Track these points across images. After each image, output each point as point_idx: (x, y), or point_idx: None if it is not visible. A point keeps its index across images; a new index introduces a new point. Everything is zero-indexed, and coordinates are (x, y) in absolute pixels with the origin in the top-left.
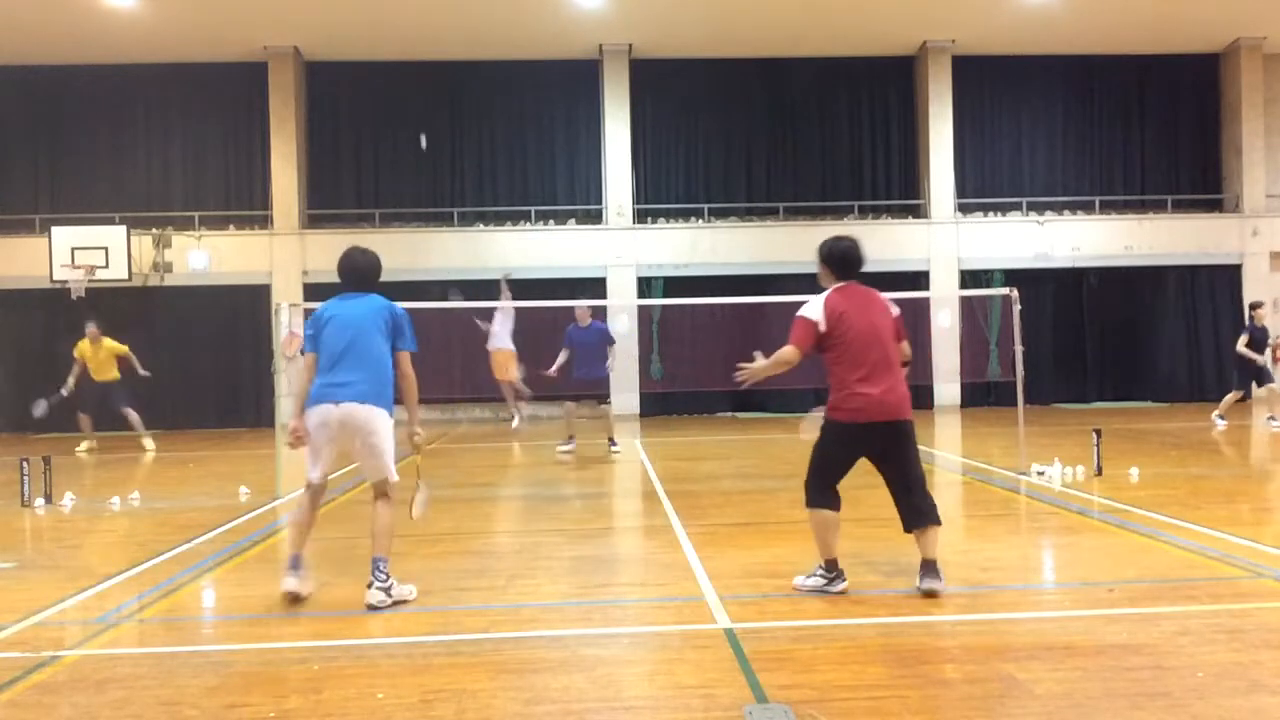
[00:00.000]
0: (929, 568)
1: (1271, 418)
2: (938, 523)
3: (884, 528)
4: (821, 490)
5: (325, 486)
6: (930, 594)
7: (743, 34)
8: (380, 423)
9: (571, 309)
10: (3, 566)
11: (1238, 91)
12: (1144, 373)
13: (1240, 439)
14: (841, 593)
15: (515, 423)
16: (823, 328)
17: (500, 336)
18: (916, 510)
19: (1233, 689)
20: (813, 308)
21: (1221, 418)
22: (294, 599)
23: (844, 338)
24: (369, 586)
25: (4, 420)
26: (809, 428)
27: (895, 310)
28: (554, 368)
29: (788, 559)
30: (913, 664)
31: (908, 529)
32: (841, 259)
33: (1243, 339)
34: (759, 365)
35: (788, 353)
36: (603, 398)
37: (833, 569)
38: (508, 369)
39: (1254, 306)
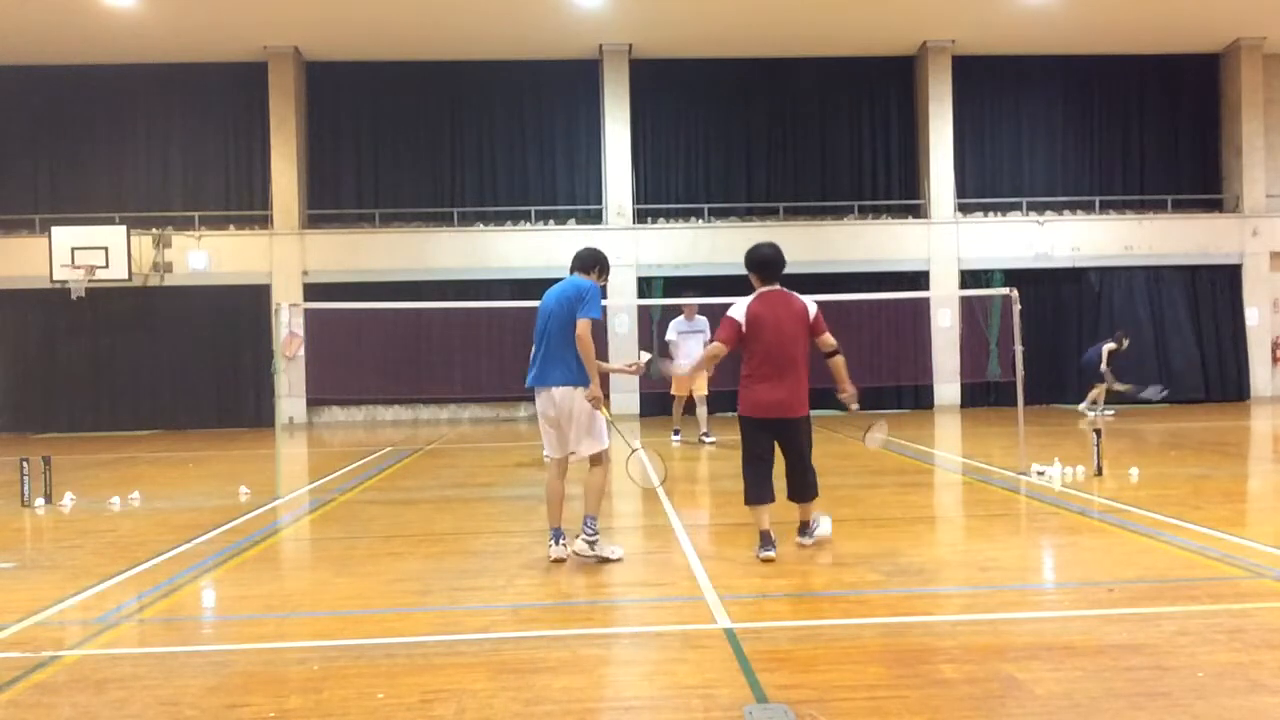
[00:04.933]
0: (803, 527)
1: (1095, 403)
2: (813, 498)
3: (884, 528)
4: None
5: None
6: (802, 545)
7: (743, 34)
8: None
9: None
10: (3, 566)
11: (1238, 91)
12: (1144, 373)
13: (1240, 439)
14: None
15: (712, 438)
16: (743, 329)
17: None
18: (799, 486)
19: (1233, 689)
20: (737, 309)
21: None
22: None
23: (758, 340)
24: (576, 538)
25: (4, 420)
26: (874, 438)
27: (814, 309)
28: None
29: (787, 559)
30: (913, 664)
31: (790, 499)
32: (761, 263)
33: None
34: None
35: (715, 349)
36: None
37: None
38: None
39: None
